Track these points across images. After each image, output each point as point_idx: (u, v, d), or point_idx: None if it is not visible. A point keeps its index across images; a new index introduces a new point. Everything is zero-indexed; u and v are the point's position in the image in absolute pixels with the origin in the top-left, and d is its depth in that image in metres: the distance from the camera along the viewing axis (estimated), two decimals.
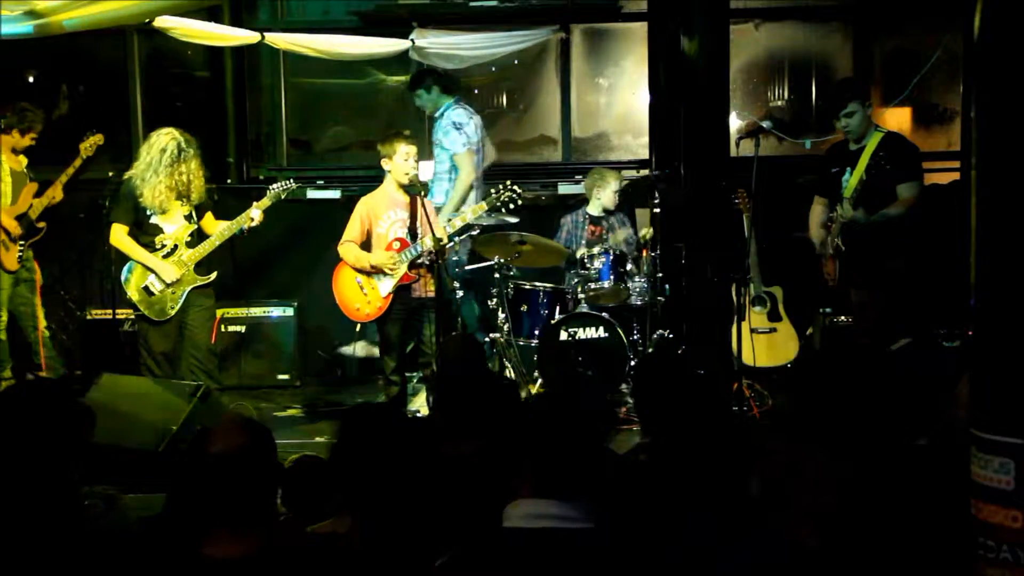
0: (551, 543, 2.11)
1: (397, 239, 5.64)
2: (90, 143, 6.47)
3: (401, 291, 5.63)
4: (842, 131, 5.60)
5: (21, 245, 6.30)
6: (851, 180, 5.49)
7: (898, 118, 8.10)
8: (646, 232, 6.70)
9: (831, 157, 5.77)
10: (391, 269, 5.60)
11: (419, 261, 5.61)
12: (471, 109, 6.99)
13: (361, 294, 5.66)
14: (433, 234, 5.43)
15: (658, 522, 2.40)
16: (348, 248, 5.68)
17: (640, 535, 2.26)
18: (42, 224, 6.39)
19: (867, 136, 5.52)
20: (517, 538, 2.14)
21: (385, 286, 5.62)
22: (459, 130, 6.74)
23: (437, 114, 6.90)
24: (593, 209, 6.83)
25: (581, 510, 2.16)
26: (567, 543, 2.11)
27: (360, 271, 5.67)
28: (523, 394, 6.12)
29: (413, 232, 5.64)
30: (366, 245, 5.72)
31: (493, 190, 5.75)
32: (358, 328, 5.88)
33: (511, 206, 5.76)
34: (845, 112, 5.49)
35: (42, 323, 6.50)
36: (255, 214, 5.58)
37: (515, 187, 5.72)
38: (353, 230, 5.69)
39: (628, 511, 2.34)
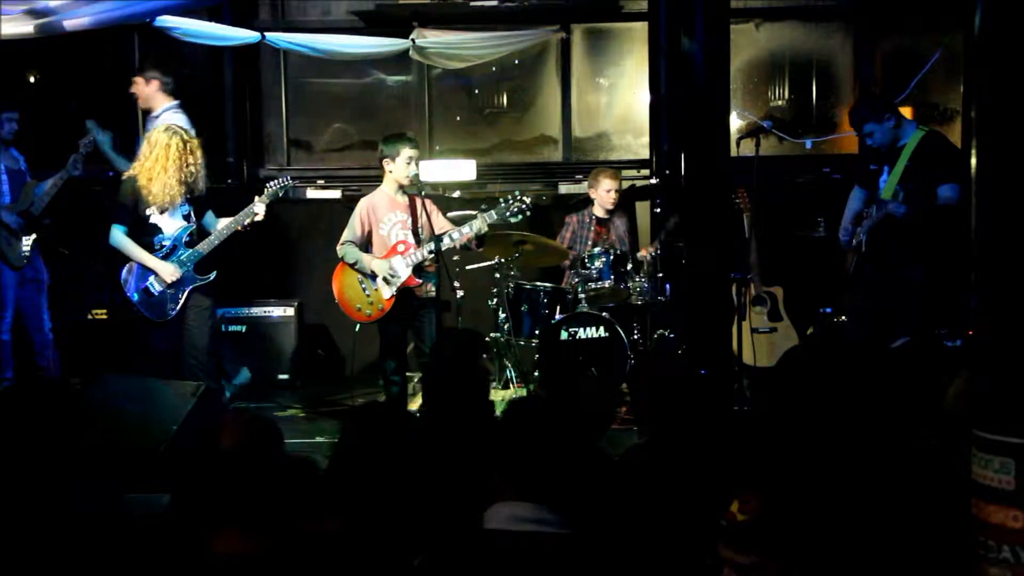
0: (529, 547, 2.11)
1: (401, 242, 5.62)
2: (87, 140, 6.48)
3: (404, 291, 5.62)
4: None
5: (25, 242, 6.30)
6: (890, 180, 5.45)
7: None
8: (645, 253, 6.66)
9: (871, 151, 5.73)
10: (389, 277, 5.57)
11: (424, 264, 5.60)
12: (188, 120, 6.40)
13: (363, 295, 5.65)
14: (434, 234, 5.42)
15: (648, 523, 2.40)
16: (348, 250, 5.66)
17: (622, 539, 2.25)
18: (45, 220, 6.40)
19: (905, 136, 5.48)
20: (496, 540, 2.13)
21: (388, 288, 5.60)
22: None
23: (154, 114, 6.32)
24: (598, 210, 6.83)
25: (561, 515, 2.16)
26: (545, 548, 2.11)
27: (361, 273, 5.65)
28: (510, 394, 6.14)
29: (416, 234, 5.61)
30: (366, 247, 5.71)
31: (502, 200, 5.72)
32: (357, 328, 5.86)
33: (520, 217, 5.76)
34: (864, 134, 5.51)
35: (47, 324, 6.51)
36: (259, 208, 5.58)
37: (525, 198, 5.69)
38: (353, 231, 5.67)
39: (614, 515, 2.34)
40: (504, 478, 2.21)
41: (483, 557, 2.11)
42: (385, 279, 5.57)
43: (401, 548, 2.17)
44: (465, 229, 5.58)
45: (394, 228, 5.65)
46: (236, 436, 2.23)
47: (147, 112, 6.43)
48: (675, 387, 3.10)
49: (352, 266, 5.65)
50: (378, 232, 5.66)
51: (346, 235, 5.68)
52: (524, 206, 5.68)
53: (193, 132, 5.71)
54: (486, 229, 5.64)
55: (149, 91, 6.38)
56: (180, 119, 6.18)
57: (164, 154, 5.35)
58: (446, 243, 5.53)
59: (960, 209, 5.42)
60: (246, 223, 5.57)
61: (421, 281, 5.58)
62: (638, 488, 2.64)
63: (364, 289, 5.64)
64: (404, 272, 5.57)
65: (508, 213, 5.69)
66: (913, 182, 5.31)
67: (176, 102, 6.38)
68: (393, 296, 5.58)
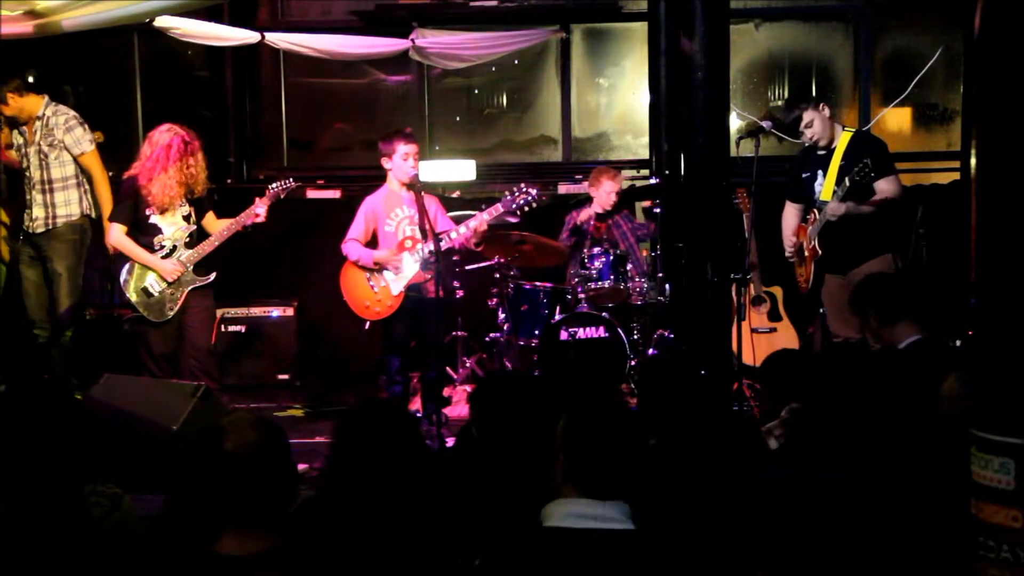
0: (591, 544, 2.10)
1: (408, 238, 5.62)
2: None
3: (412, 289, 5.61)
4: (811, 141, 5.61)
5: None
6: (827, 184, 5.48)
7: (898, 118, 8.11)
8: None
9: (800, 161, 5.77)
10: (396, 267, 5.57)
11: (431, 260, 5.58)
12: None
13: (371, 292, 5.64)
14: (435, 233, 5.42)
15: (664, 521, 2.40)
16: (352, 246, 5.66)
17: (671, 535, 2.25)
18: None
19: (835, 137, 5.54)
20: (556, 538, 2.13)
21: (396, 284, 5.60)
22: (83, 126, 5.93)
23: (39, 114, 5.88)
24: (599, 208, 6.82)
25: (622, 511, 2.15)
26: (607, 544, 2.10)
27: (366, 269, 5.65)
28: None
29: (423, 230, 5.59)
30: (372, 244, 5.71)
31: (507, 194, 5.72)
32: (367, 326, 5.85)
33: (526, 209, 5.74)
34: (804, 125, 5.53)
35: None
36: (260, 210, 5.57)
37: (531, 190, 5.68)
38: (357, 229, 5.67)
39: (664, 512, 2.33)
40: (563, 475, 2.20)
41: (542, 555, 2.10)
42: (392, 269, 5.56)
43: (460, 548, 2.17)
44: (473, 223, 5.58)
45: (401, 224, 5.65)
46: (241, 438, 2.23)
47: (24, 122, 5.92)
48: (688, 390, 3.12)
49: (357, 263, 5.65)
50: (383, 229, 5.65)
51: (350, 233, 5.69)
52: (530, 198, 5.65)
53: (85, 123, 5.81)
54: (485, 227, 5.63)
55: (26, 100, 5.91)
56: (64, 108, 5.96)
57: (164, 155, 5.34)
58: (445, 242, 5.52)
59: (901, 201, 5.47)
60: (247, 224, 5.58)
61: (430, 276, 5.56)
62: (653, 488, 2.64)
63: (372, 286, 5.64)
64: (411, 268, 5.57)
65: (515, 205, 5.68)
66: (851, 183, 5.31)
67: (46, 96, 5.99)
68: (401, 292, 5.58)
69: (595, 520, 2.13)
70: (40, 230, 5.94)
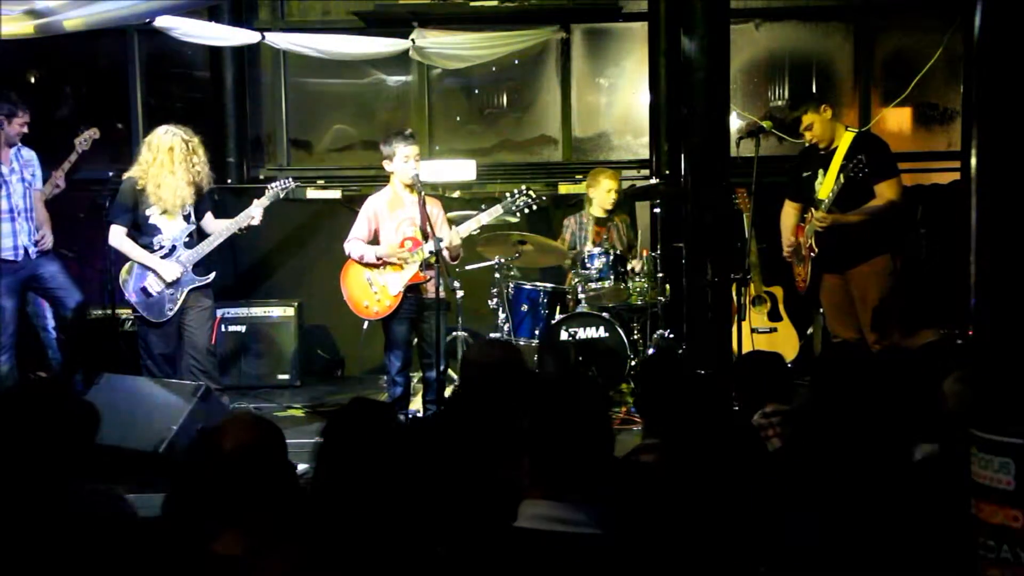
0: (555, 547, 2.09)
1: (408, 239, 5.61)
2: (85, 137, 6.48)
3: (411, 289, 5.61)
4: (812, 142, 5.64)
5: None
6: (825, 183, 5.50)
7: (898, 118, 8.11)
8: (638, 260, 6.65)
9: (801, 160, 5.79)
10: (398, 260, 5.56)
11: (431, 261, 5.58)
12: None
13: (370, 291, 5.64)
14: (434, 234, 5.42)
15: (666, 524, 2.40)
16: (354, 245, 5.65)
17: (645, 540, 2.24)
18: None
19: (837, 138, 5.56)
20: (522, 538, 2.13)
21: (395, 284, 5.59)
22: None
23: (19, 147, 6.02)
24: (596, 210, 6.81)
25: (591, 515, 2.15)
26: (572, 548, 2.09)
27: (368, 266, 5.64)
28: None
29: (424, 231, 5.59)
30: (373, 244, 5.71)
31: (509, 194, 5.73)
32: (365, 325, 5.84)
33: (526, 211, 5.76)
34: (804, 127, 5.57)
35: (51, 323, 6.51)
36: (256, 212, 5.58)
37: (531, 191, 5.70)
38: (360, 229, 5.66)
39: (633, 515, 2.33)
40: (531, 476, 2.19)
41: (508, 554, 2.10)
42: (396, 262, 5.56)
43: (424, 539, 2.16)
44: (472, 224, 5.59)
45: (402, 225, 5.64)
46: (239, 438, 2.23)
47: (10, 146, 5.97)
48: (684, 388, 3.11)
49: (359, 261, 5.63)
50: (385, 230, 5.65)
51: (353, 232, 5.67)
52: (531, 199, 5.67)
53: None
54: (476, 229, 5.66)
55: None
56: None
57: (169, 158, 5.35)
58: (444, 243, 5.53)
59: (901, 205, 5.48)
60: (244, 225, 5.58)
61: (429, 276, 5.56)
62: (653, 490, 2.63)
63: (371, 286, 5.63)
64: (411, 268, 5.57)
65: (514, 207, 5.70)
66: (850, 183, 5.31)
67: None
68: (400, 293, 5.58)
69: (562, 524, 2.12)
70: (34, 258, 5.94)
